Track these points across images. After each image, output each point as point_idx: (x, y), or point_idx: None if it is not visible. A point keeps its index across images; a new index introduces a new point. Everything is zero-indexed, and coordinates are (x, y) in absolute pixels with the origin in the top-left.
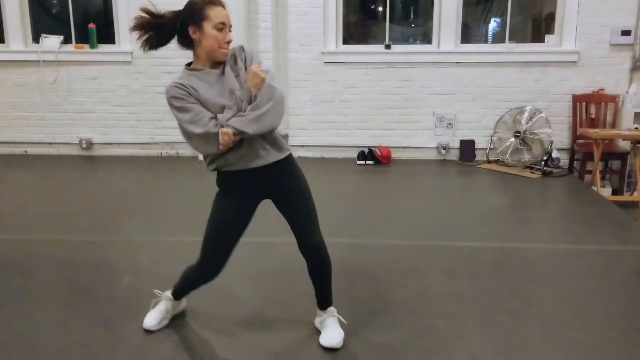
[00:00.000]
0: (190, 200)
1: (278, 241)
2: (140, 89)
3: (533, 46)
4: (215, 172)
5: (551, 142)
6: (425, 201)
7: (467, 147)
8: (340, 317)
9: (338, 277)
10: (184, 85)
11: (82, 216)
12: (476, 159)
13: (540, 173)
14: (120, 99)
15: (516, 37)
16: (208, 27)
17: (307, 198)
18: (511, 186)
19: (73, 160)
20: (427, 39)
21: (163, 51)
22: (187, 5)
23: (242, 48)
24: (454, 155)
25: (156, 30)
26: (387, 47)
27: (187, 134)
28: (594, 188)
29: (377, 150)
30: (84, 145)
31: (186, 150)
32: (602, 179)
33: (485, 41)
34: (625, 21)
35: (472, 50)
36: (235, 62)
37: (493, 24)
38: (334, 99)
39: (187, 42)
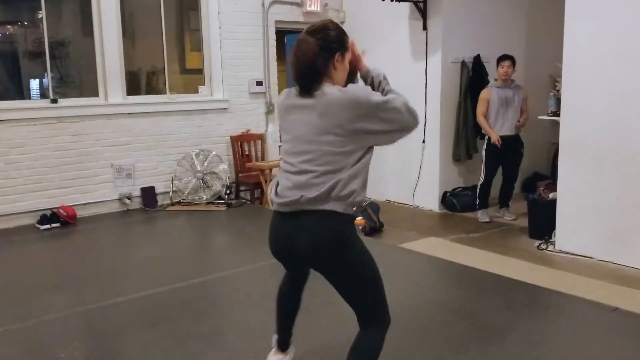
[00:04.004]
0: None
1: None
2: None
3: (191, 96)
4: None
5: (228, 177)
6: (127, 254)
7: (149, 194)
8: None
9: None
10: None
11: None
12: (160, 203)
13: (225, 205)
14: None
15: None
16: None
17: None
18: (205, 222)
19: None
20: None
21: None
22: None
23: None
24: (138, 203)
25: None
26: (54, 101)
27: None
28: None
29: (62, 211)
30: None
31: None
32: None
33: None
34: (258, 74)
35: (139, 101)
36: None
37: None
38: None
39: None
